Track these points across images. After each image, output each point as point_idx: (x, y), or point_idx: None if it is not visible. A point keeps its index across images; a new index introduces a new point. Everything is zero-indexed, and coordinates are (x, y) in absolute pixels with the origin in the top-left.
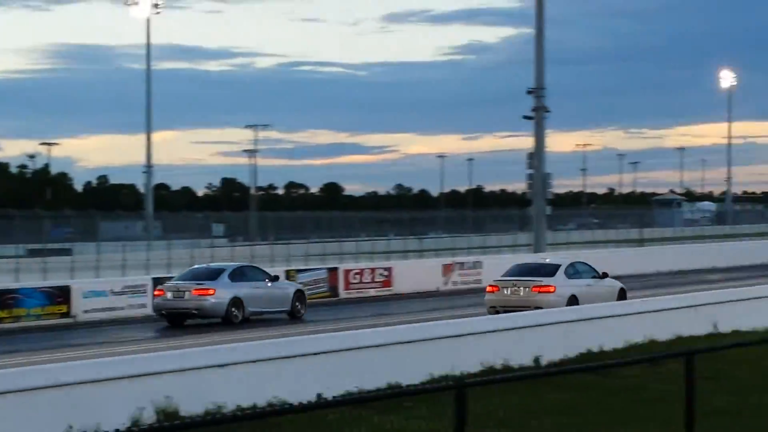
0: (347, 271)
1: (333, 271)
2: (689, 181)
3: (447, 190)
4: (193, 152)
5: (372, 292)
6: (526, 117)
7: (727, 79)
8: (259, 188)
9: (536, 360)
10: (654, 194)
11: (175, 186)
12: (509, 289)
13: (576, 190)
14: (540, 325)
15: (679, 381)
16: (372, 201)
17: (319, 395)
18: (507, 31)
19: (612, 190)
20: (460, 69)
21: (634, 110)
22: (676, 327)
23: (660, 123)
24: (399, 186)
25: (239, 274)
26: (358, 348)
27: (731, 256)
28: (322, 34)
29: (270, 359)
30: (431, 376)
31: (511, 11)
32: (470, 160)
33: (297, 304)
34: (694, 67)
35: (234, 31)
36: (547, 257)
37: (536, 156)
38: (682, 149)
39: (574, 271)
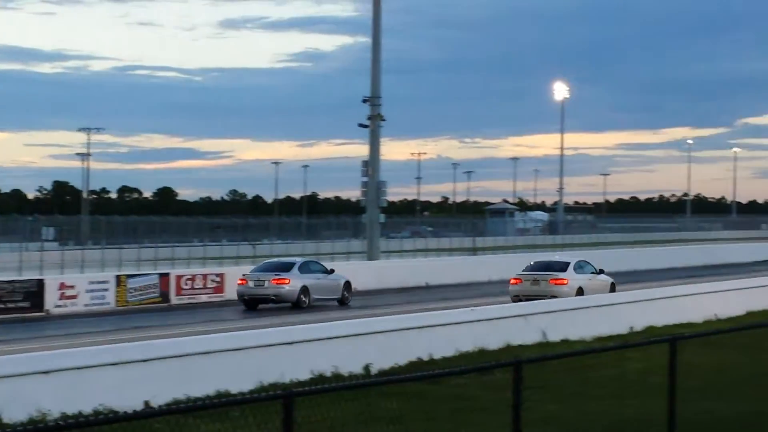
0: (179, 277)
1: (164, 276)
2: (522, 190)
3: (282, 196)
4: (24, 154)
5: (204, 298)
6: (361, 125)
7: (560, 91)
8: (92, 192)
9: (366, 368)
10: (487, 203)
11: (5, 188)
12: (530, 281)
13: (410, 198)
14: (371, 333)
15: (508, 389)
16: (206, 206)
17: (146, 403)
18: (344, 40)
19: (446, 199)
20: (296, 76)
21: (468, 120)
22: (506, 335)
23: (494, 133)
24: (233, 192)
25: (305, 267)
26: (185, 355)
27: None
28: (159, 39)
29: (97, 366)
30: (261, 383)
31: (348, 20)
32: (305, 166)
33: (345, 293)
34: (529, 78)
35: (68, 33)
36: (557, 255)
37: (371, 164)
38: (515, 159)
39: (580, 267)
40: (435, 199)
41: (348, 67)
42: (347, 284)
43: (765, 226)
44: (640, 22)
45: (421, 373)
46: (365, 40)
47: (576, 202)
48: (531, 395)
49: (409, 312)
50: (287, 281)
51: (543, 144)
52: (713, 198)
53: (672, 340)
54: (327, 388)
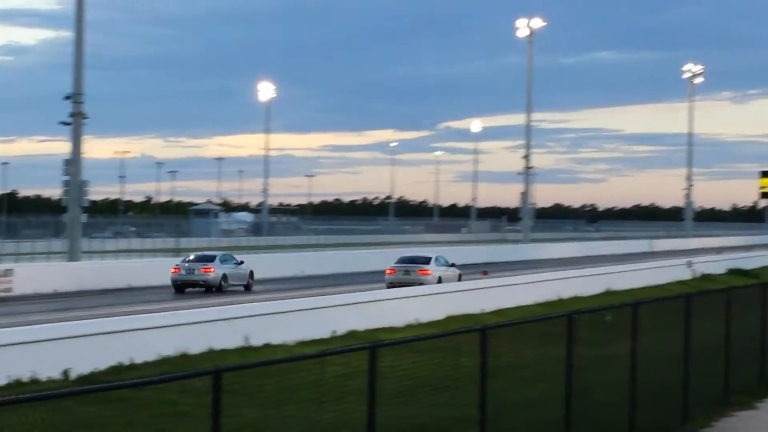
0: None
1: None
2: (227, 191)
3: None
4: None
5: None
6: (63, 123)
7: (266, 91)
8: None
9: (65, 373)
10: (192, 204)
11: None
12: (402, 271)
13: (114, 197)
14: (72, 337)
15: (208, 394)
16: None
17: None
18: (46, 34)
19: (149, 199)
20: None
21: (174, 119)
22: (209, 340)
23: (199, 132)
24: None
25: (224, 259)
26: None
27: (267, 268)
28: None
29: None
30: None
31: (50, 13)
32: (5, 164)
33: (249, 280)
34: (236, 78)
35: None
36: (420, 251)
37: (73, 162)
38: (220, 159)
39: (438, 260)
40: (139, 199)
41: (51, 62)
42: (251, 273)
43: (465, 230)
44: (344, 23)
45: (118, 383)
46: (68, 34)
47: (281, 204)
48: (232, 400)
49: (111, 315)
50: (212, 270)
51: (248, 144)
52: (416, 201)
53: (372, 348)
54: (21, 399)
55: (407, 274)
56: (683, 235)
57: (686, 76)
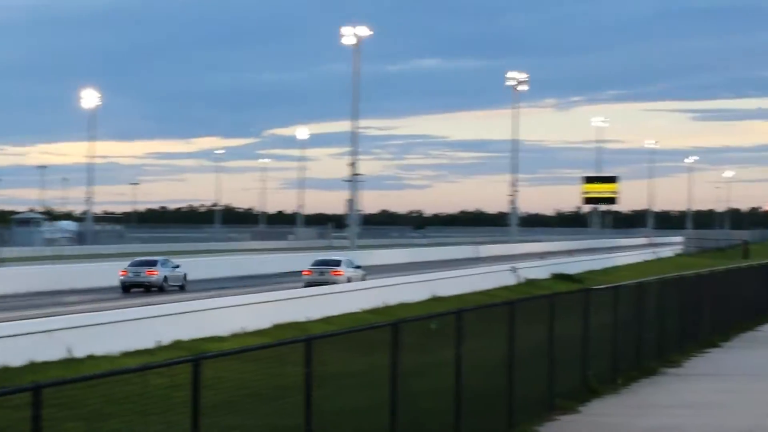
0: None
1: None
2: (50, 199)
3: None
4: None
5: None
6: None
7: (89, 98)
8: None
9: None
10: (14, 212)
11: None
12: (318, 273)
13: None
14: None
15: (27, 409)
16: None
17: None
18: None
19: None
20: None
21: None
22: (30, 353)
23: (21, 140)
24: None
25: (165, 263)
26: None
27: (92, 277)
28: None
29: None
30: None
31: None
32: None
33: (184, 281)
34: (59, 85)
35: None
36: (333, 255)
37: None
38: (43, 167)
39: (349, 263)
40: None
41: None
42: (185, 276)
43: (292, 237)
44: (168, 30)
45: None
46: None
47: (106, 212)
48: (53, 414)
49: None
50: (156, 272)
51: (72, 152)
52: (243, 208)
53: (195, 360)
54: None
55: (322, 274)
56: (509, 241)
57: (510, 83)
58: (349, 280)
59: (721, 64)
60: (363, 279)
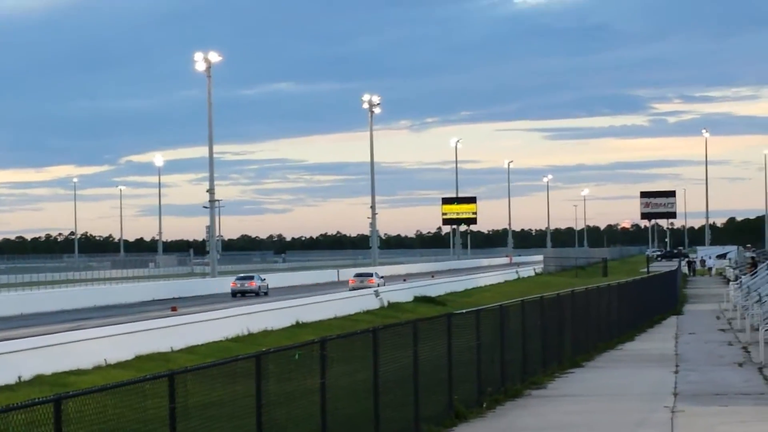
0: None
1: None
2: None
3: None
4: None
5: None
6: None
7: None
8: None
9: None
10: None
11: None
12: (359, 281)
13: None
14: None
15: None
16: None
17: None
18: None
19: None
20: None
21: None
22: None
23: None
24: None
25: (257, 277)
26: None
27: None
28: None
29: None
30: None
31: None
32: None
33: (267, 288)
34: None
35: None
36: (365, 269)
37: None
38: None
39: (377, 275)
40: None
41: None
42: (268, 285)
43: (152, 265)
44: (14, 57)
45: None
46: None
47: None
48: None
49: None
50: (254, 283)
51: None
52: (101, 236)
53: (57, 401)
54: None
55: (362, 282)
56: (370, 264)
57: (365, 106)
58: (378, 286)
59: (572, 84)
60: (384, 285)
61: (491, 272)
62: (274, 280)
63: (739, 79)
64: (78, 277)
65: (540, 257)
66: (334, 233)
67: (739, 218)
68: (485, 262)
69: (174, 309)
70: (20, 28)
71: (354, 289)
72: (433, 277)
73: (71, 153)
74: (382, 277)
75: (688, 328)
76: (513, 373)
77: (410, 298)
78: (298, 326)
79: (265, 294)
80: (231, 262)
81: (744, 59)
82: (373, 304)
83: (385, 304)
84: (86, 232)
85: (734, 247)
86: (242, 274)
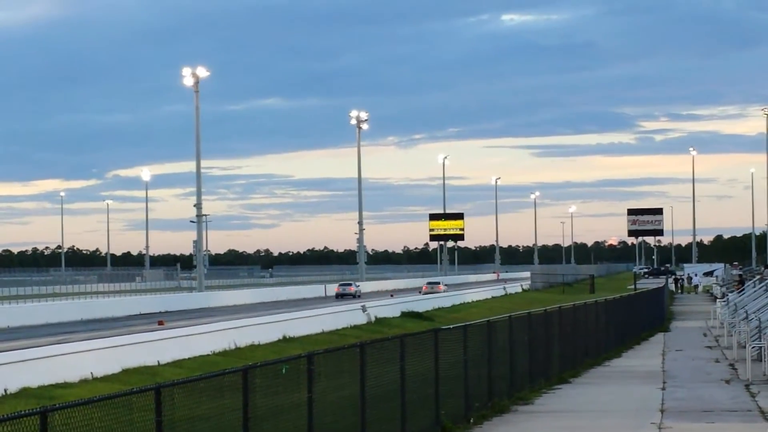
0: None
1: None
2: None
3: None
4: None
5: None
6: None
7: None
8: None
9: None
10: None
11: None
12: (430, 288)
13: None
14: None
15: None
16: None
17: None
18: None
19: None
20: None
21: None
22: None
23: None
24: None
25: (354, 284)
26: None
27: None
28: None
29: None
30: None
31: None
32: None
33: (361, 292)
34: None
35: None
36: (435, 278)
37: None
38: None
39: (443, 282)
40: None
41: None
42: (360, 289)
43: (139, 279)
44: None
45: None
46: None
47: None
48: None
49: None
50: (353, 288)
51: None
52: (88, 250)
53: (42, 413)
54: None
55: (432, 289)
56: (357, 279)
57: (353, 122)
58: (445, 291)
59: (560, 101)
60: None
61: (479, 288)
62: (261, 295)
63: (725, 98)
64: (64, 290)
65: (527, 274)
66: (322, 248)
67: (726, 236)
68: (472, 278)
69: (161, 323)
70: (5, 42)
71: (426, 293)
72: (420, 292)
73: (58, 167)
74: (446, 285)
75: (675, 345)
76: (500, 388)
77: (398, 314)
78: (286, 341)
79: (359, 297)
80: (218, 277)
81: (730, 78)
82: (360, 319)
83: (373, 319)
84: (73, 246)
85: (721, 265)
86: (343, 282)
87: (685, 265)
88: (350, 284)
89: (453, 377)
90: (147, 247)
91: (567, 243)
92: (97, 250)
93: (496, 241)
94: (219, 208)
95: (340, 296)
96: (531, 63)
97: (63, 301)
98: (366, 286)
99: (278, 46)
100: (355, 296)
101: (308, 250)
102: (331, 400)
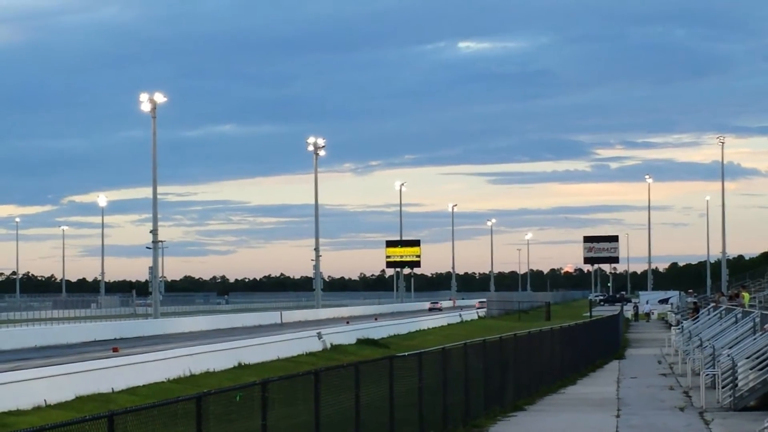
0: None
1: None
2: None
3: None
4: None
5: None
6: None
7: None
8: None
9: None
10: None
11: None
12: (433, 305)
13: None
14: None
15: None
16: None
17: None
18: None
19: None
20: None
21: None
22: None
23: None
24: None
25: (440, 302)
26: None
27: None
28: None
29: None
30: None
31: None
32: None
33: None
34: None
35: None
36: (436, 300)
37: None
38: None
39: (481, 300)
40: None
41: None
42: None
43: (94, 305)
44: None
45: None
46: None
47: None
48: None
49: None
50: (439, 305)
51: None
52: (43, 276)
53: None
54: None
55: (434, 307)
56: (313, 306)
57: (310, 149)
58: (441, 310)
59: (515, 129)
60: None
61: (435, 315)
62: (216, 321)
63: (679, 126)
64: (19, 317)
65: (483, 301)
66: (278, 275)
67: (681, 263)
68: (428, 305)
69: (116, 350)
70: None
71: (431, 310)
72: (376, 319)
73: (13, 193)
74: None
75: (629, 373)
76: (455, 416)
77: (353, 341)
78: (241, 368)
79: (441, 310)
80: (174, 304)
81: (684, 107)
82: (316, 346)
83: (328, 346)
84: (28, 272)
85: (676, 293)
86: (433, 300)
87: (640, 292)
88: (437, 302)
89: (408, 404)
90: (102, 273)
91: (523, 270)
92: (52, 276)
93: (453, 268)
94: (175, 234)
95: (432, 309)
96: (487, 91)
97: (17, 327)
98: (322, 313)
99: (234, 72)
100: (441, 310)
101: (264, 276)
102: (286, 428)
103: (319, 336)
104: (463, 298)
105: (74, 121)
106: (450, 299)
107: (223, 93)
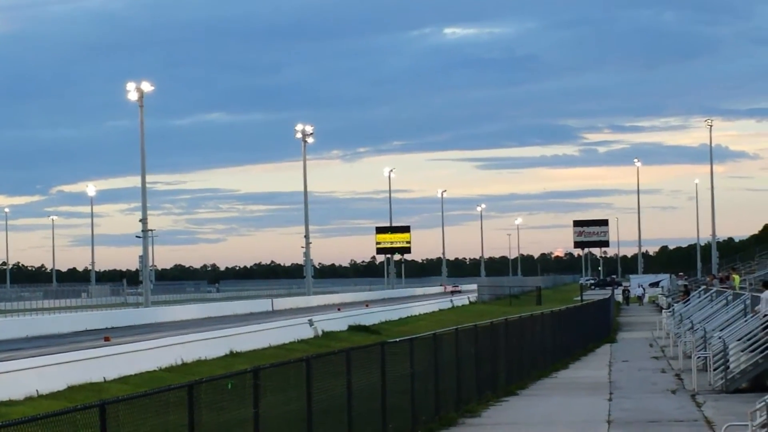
0: None
1: None
2: None
3: None
4: None
5: None
6: None
7: None
8: None
9: None
10: None
11: None
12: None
13: None
14: None
15: None
16: None
17: None
18: None
19: None
20: None
21: None
22: None
23: None
24: None
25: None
26: None
27: None
28: None
29: None
30: None
31: None
32: None
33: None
34: None
35: None
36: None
37: None
38: None
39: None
40: None
41: None
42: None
43: (85, 295)
44: None
45: None
46: None
47: None
48: None
49: None
50: (459, 288)
51: None
52: (33, 266)
53: None
54: None
55: (454, 290)
56: (304, 293)
57: (298, 136)
58: (452, 295)
59: (503, 114)
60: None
61: (426, 301)
62: (207, 310)
63: (668, 110)
64: (9, 307)
65: (474, 286)
66: (268, 263)
67: (671, 246)
68: (419, 291)
69: (107, 339)
70: None
71: (453, 293)
72: (367, 306)
73: (1, 183)
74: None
75: (621, 356)
76: (447, 401)
77: (345, 327)
78: (233, 356)
79: (461, 293)
80: (164, 292)
81: (672, 90)
82: (307, 333)
83: (320, 333)
84: (18, 262)
85: (667, 275)
86: (455, 284)
87: (631, 276)
88: (458, 285)
89: (400, 390)
90: (93, 262)
91: (513, 255)
92: (42, 266)
93: (443, 253)
94: (164, 223)
95: (452, 293)
96: (474, 76)
97: (7, 318)
98: (313, 300)
99: (222, 60)
100: (461, 292)
101: (255, 264)
102: (278, 415)
103: (311, 323)
104: (454, 284)
105: (62, 111)
106: (441, 285)
107: (211, 81)
